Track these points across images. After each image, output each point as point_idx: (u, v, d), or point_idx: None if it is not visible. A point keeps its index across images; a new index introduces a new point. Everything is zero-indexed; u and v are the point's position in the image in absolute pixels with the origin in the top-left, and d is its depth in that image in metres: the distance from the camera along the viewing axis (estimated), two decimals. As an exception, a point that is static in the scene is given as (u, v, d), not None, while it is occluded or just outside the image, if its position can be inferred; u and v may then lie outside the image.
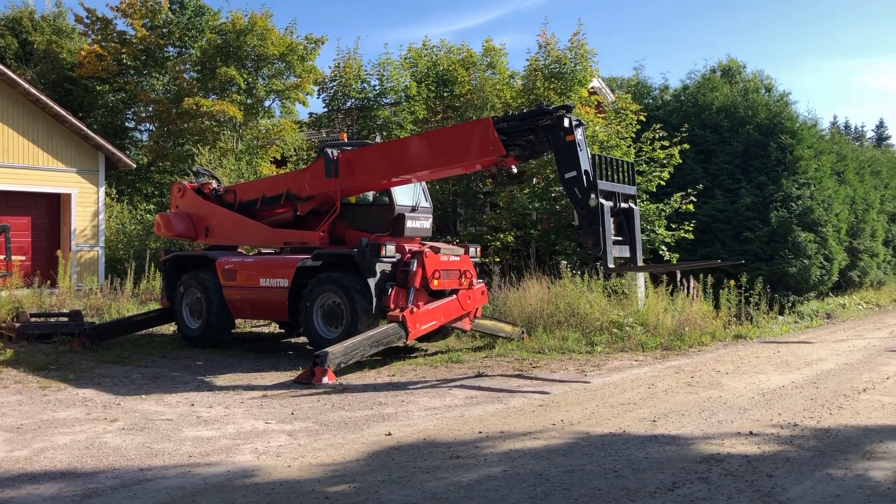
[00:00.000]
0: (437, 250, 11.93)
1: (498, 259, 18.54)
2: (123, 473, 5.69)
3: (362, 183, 11.99)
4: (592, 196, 9.72)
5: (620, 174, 10.41)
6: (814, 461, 5.97)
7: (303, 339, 14.11)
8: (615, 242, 9.97)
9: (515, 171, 11.31)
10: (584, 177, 9.80)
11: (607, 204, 9.80)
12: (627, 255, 10.23)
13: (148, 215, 25.11)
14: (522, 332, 13.45)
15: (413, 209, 12.67)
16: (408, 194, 12.81)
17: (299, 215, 12.96)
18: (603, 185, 9.88)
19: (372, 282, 11.28)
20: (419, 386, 9.47)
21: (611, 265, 9.81)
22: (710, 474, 5.59)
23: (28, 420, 7.49)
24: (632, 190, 10.52)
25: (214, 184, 14.01)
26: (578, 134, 10.08)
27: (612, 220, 9.90)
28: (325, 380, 9.60)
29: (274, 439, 6.72)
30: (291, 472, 5.68)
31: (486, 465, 5.86)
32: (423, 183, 13.27)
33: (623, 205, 10.26)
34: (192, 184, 14.12)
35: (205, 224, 13.56)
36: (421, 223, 12.85)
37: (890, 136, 75.41)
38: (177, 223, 13.65)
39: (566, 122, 10.05)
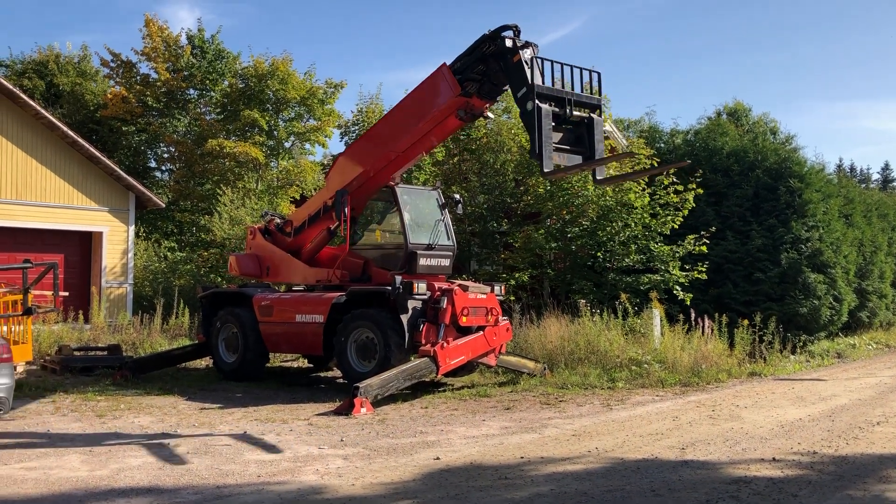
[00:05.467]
0: (465, 288, 12.48)
1: (514, 297, 19.08)
2: (202, 490, 6.22)
3: (364, 174, 12.49)
4: (529, 101, 9.54)
5: (581, 82, 10.12)
6: (834, 484, 6.47)
7: (332, 374, 14.65)
8: (563, 151, 9.76)
9: (492, 116, 11.23)
10: (532, 90, 9.71)
11: (545, 107, 9.56)
12: (578, 163, 9.97)
13: (169, 253, 25.83)
14: (544, 369, 13.93)
15: (429, 247, 13.05)
16: (424, 233, 13.25)
17: (333, 232, 13.57)
18: (543, 88, 9.69)
19: (405, 318, 11.81)
20: (454, 417, 9.98)
21: (546, 170, 9.53)
22: (739, 493, 6.10)
23: (96, 445, 8.02)
24: (593, 100, 10.23)
25: (277, 220, 14.63)
26: (526, 53, 10.05)
27: (551, 124, 9.55)
28: (364, 411, 10.12)
29: (331, 462, 7.24)
30: (356, 490, 6.21)
31: (534, 485, 6.38)
32: (448, 219, 13.71)
33: (578, 113, 10.01)
34: (260, 225, 14.79)
35: (266, 264, 14.25)
36: (437, 261, 13.19)
37: (896, 179, 76.22)
38: (244, 264, 14.32)
39: (508, 43, 10.12)
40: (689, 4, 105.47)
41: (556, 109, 9.77)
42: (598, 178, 10.51)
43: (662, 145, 22.83)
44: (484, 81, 10.72)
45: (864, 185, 55.63)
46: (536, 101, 9.53)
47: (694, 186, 18.46)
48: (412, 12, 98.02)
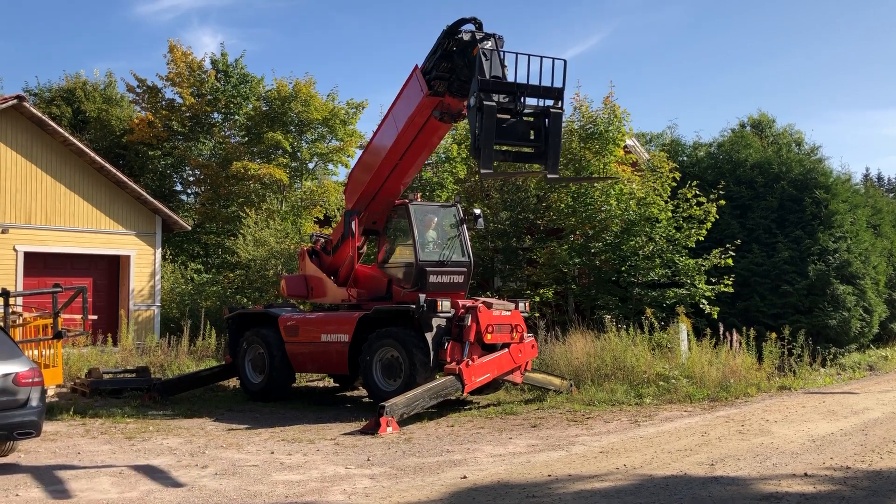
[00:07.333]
0: (489, 305, 12.46)
1: (538, 314, 19.00)
2: (231, 511, 6.25)
3: (372, 186, 12.61)
4: (472, 95, 9.06)
5: (540, 72, 9.64)
6: (868, 499, 6.37)
7: (357, 393, 14.67)
8: (510, 146, 9.40)
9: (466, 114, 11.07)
10: (476, 83, 9.30)
11: (488, 102, 9.06)
12: (517, 169, 9.77)
13: (196, 275, 26.08)
14: (571, 385, 13.84)
15: (440, 264, 12.88)
16: (436, 250, 13.17)
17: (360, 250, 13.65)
18: (489, 81, 9.17)
19: (429, 336, 11.80)
20: (480, 435, 9.94)
21: (483, 169, 9.12)
22: (772, 510, 6.03)
23: (126, 467, 8.09)
24: (552, 90, 9.62)
25: (322, 240, 14.74)
26: (487, 45, 9.73)
27: (495, 120, 9.07)
28: (390, 430, 10.13)
29: (358, 482, 7.25)
30: (383, 510, 6.21)
31: (562, 503, 6.34)
32: (465, 235, 13.53)
33: (533, 101, 9.57)
34: (307, 247, 14.93)
35: (311, 284, 14.32)
36: (450, 278, 12.94)
37: (925, 188, 74.91)
38: (292, 285, 14.43)
39: (466, 37, 9.84)
40: (710, 16, 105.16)
41: (507, 102, 9.38)
42: (549, 176, 10.18)
43: (685, 158, 22.70)
44: (452, 79, 10.50)
45: (892, 195, 54.83)
46: (479, 95, 9.14)
47: (715, 197, 18.35)
48: (433, 31, 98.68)
